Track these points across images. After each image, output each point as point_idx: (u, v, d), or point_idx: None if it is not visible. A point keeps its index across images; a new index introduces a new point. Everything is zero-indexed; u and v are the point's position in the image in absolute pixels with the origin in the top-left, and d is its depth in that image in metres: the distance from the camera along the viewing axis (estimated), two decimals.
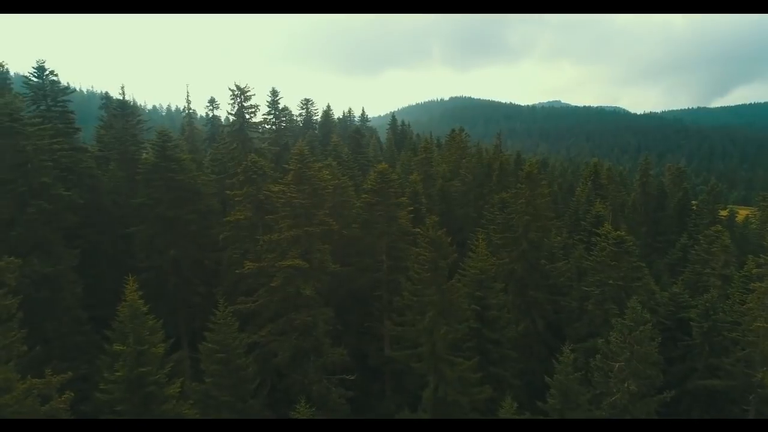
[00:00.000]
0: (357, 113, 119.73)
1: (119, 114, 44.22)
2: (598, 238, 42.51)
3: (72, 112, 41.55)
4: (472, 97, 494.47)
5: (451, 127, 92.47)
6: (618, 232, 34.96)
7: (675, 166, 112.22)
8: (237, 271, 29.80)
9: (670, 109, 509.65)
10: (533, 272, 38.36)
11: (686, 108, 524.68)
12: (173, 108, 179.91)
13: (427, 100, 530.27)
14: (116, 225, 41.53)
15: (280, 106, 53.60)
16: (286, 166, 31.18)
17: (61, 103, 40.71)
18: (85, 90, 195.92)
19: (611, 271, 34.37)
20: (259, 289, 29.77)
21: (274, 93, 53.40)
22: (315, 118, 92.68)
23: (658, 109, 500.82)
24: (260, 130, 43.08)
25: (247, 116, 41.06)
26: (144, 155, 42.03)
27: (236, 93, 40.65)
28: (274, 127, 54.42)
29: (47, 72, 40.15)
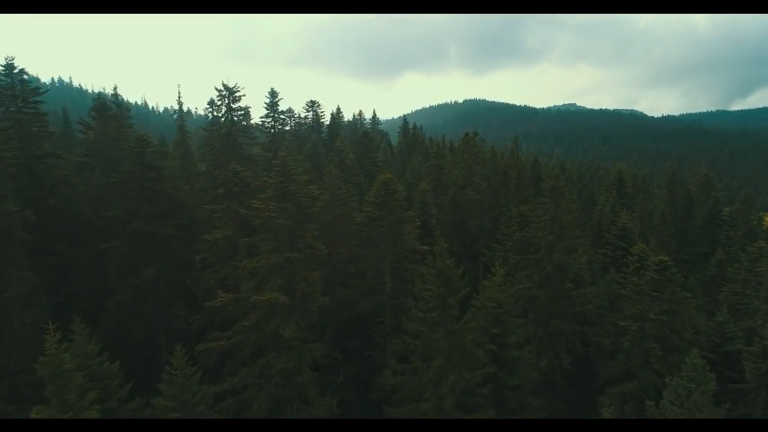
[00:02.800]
0: (369, 116, 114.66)
1: (100, 116, 39.75)
2: (630, 258, 37.05)
3: (45, 114, 37.19)
4: (487, 99, 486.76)
5: (465, 130, 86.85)
6: (660, 257, 29.32)
7: (702, 173, 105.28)
8: (207, 304, 24.84)
9: (689, 112, 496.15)
10: (558, 299, 32.88)
11: (705, 111, 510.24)
12: (184, 110, 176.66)
13: (441, 102, 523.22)
14: (96, 239, 37.21)
15: (280, 107, 48.80)
16: (266, 179, 26.22)
17: (32, 105, 36.35)
18: (97, 92, 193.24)
19: (652, 302, 28.76)
20: (238, 321, 24.79)
21: (273, 94, 48.51)
22: (323, 120, 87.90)
23: (675, 112, 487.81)
24: (251, 135, 38.24)
25: (237, 119, 36.23)
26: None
27: (223, 93, 35.84)
28: (273, 130, 49.73)
29: (17, 70, 35.83)
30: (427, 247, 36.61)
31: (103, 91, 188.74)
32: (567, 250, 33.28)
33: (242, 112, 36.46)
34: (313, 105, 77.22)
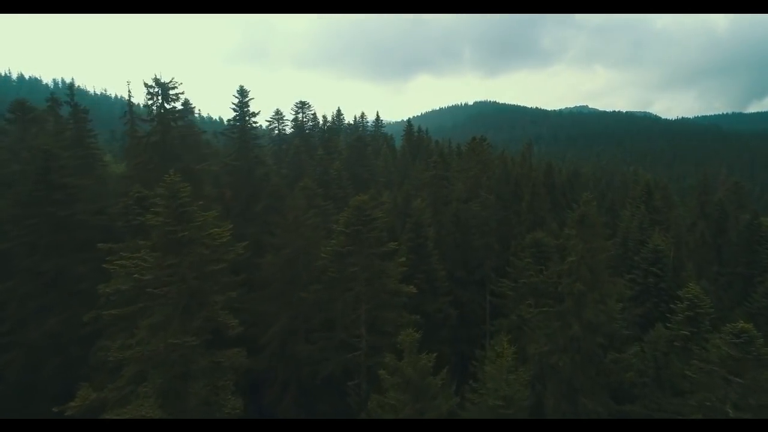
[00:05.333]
0: (380, 118, 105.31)
1: (19, 119, 31.54)
2: (679, 305, 27.98)
3: None
4: (497, 101, 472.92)
5: (475, 133, 77.41)
6: (742, 324, 20.05)
7: (732, 180, 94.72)
8: (54, 410, 16.12)
9: (704, 114, 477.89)
10: (587, 368, 23.80)
11: (721, 113, 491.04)
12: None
13: (450, 104, 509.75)
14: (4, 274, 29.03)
15: (250, 109, 40.15)
16: (150, 216, 17.36)
17: None
18: (98, 92, 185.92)
19: (728, 389, 19.54)
20: None
21: (242, 93, 39.91)
22: (317, 122, 79.22)
23: (690, 115, 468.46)
24: (191, 143, 29.37)
25: (174, 123, 27.56)
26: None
27: (154, 90, 27.20)
28: (244, 135, 41.02)
29: None
30: (414, 289, 27.92)
31: (104, 92, 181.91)
32: (600, 302, 24.17)
33: (178, 115, 27.77)
34: (302, 106, 68.46)
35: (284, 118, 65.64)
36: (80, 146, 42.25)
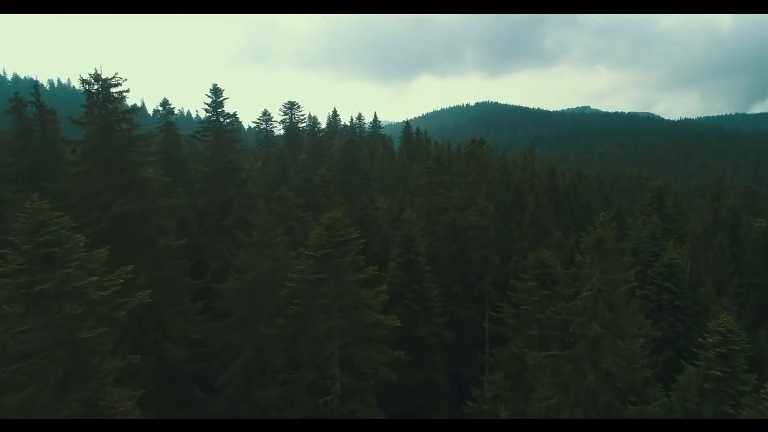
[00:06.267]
0: (378, 119, 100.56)
1: None
2: (709, 339, 23.62)
3: None
4: (499, 102, 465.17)
5: (476, 134, 72.87)
6: None
7: (743, 184, 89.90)
8: None
9: (707, 115, 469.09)
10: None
11: (724, 114, 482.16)
12: (192, 114, 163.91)
13: (452, 105, 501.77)
14: None
15: (225, 109, 35.89)
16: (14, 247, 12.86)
17: None
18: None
19: None
20: None
21: (216, 91, 35.66)
22: (314, 125, 74.94)
23: (693, 116, 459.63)
24: (138, 147, 24.57)
25: (118, 126, 22.95)
26: None
27: (93, 88, 22.56)
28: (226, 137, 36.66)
29: None
30: (397, 320, 23.52)
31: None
32: (619, 342, 19.66)
33: (122, 116, 23.29)
34: (291, 107, 64.00)
35: (272, 120, 61.41)
36: (47, 149, 38.17)
